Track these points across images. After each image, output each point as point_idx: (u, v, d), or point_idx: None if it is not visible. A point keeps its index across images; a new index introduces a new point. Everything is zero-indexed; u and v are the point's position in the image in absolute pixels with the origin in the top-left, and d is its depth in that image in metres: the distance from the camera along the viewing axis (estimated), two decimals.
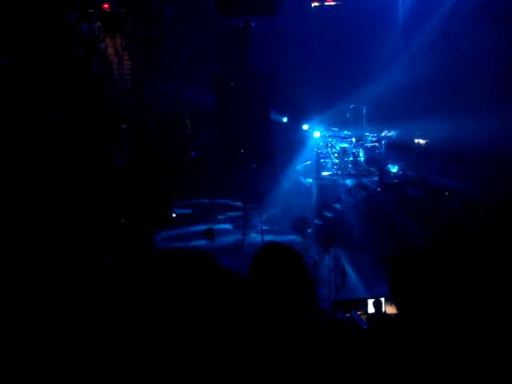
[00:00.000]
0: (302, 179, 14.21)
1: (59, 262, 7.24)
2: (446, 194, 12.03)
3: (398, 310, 3.67)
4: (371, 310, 6.08)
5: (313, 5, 14.14)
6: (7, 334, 1.77)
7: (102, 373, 1.33)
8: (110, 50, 12.53)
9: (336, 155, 14.58)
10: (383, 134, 14.74)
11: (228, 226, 12.04)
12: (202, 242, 10.20)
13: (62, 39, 9.43)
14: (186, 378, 1.19)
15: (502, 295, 2.36)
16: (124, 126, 11.51)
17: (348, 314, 5.98)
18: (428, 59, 14.18)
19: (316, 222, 11.74)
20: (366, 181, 13.95)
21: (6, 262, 6.69)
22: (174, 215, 12.03)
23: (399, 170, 14.07)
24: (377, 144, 14.46)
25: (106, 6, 12.23)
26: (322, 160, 14.56)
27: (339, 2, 14.14)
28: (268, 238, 11.03)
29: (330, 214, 12.01)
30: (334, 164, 14.52)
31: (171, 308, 1.22)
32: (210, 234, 9.59)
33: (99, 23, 12.08)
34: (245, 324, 1.24)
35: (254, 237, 11.45)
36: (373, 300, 6.10)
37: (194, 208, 12.81)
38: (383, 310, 6.01)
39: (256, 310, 1.27)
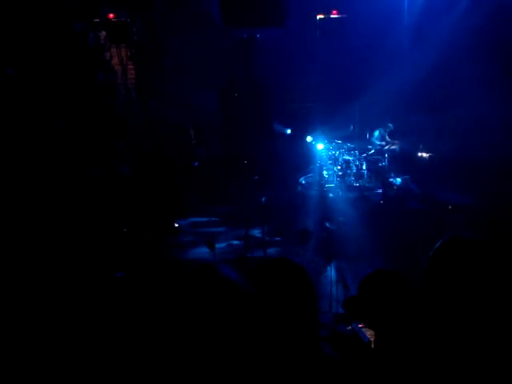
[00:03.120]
0: (305, 191, 14.19)
1: (63, 268, 7.24)
2: (450, 207, 11.99)
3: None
4: None
5: (318, 17, 14.16)
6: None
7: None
8: (115, 60, 12.57)
9: (339, 167, 14.59)
10: (386, 147, 14.76)
11: (230, 237, 11.99)
12: (204, 252, 10.15)
13: (67, 48, 9.46)
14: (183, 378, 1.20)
15: (504, 307, 2.34)
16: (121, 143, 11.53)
17: (349, 327, 5.95)
18: (430, 73, 14.19)
19: (318, 234, 11.70)
20: (368, 193, 13.94)
21: (12, 266, 6.71)
22: (176, 225, 12.01)
23: (402, 183, 14.06)
24: (380, 157, 14.47)
25: (111, 15, 12.28)
26: (325, 172, 14.56)
27: (344, 15, 14.16)
28: (271, 250, 10.98)
29: (332, 227, 11.96)
30: (337, 176, 14.52)
31: (172, 317, 1.23)
32: (211, 245, 9.55)
33: (104, 33, 12.13)
34: (240, 330, 1.24)
35: (257, 248, 11.39)
36: None
37: (196, 218, 12.77)
38: None
39: (253, 317, 1.28)
